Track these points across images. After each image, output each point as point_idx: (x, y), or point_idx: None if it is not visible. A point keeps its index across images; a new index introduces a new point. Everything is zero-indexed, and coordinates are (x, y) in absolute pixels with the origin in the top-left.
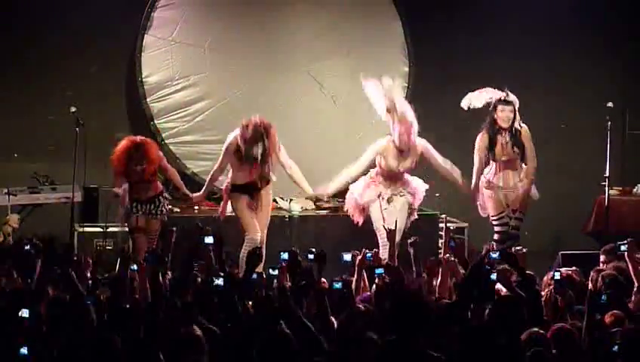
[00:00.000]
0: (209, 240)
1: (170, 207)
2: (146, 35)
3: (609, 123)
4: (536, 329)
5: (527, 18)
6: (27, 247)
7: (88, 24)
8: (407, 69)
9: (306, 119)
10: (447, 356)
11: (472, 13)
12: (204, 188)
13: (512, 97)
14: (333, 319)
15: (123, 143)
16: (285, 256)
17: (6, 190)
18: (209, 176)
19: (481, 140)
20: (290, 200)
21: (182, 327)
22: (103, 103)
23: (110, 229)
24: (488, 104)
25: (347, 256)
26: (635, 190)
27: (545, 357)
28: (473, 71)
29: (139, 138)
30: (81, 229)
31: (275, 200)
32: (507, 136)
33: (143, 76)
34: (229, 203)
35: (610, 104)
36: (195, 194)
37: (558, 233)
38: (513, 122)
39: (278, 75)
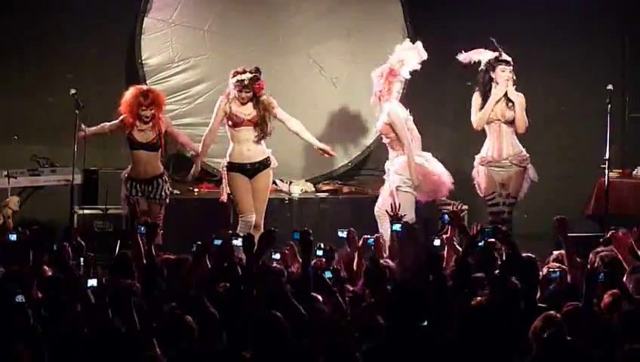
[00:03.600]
0: (238, 242)
1: (170, 189)
2: (145, 18)
3: (609, 105)
4: (552, 312)
5: (527, 1)
6: (13, 237)
7: (88, 6)
8: None
9: (305, 101)
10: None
11: None
12: (198, 155)
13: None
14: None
15: (131, 91)
16: (344, 234)
17: (6, 172)
18: (202, 142)
19: (475, 101)
20: (290, 182)
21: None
22: (102, 86)
23: (110, 211)
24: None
25: (342, 233)
26: (635, 172)
27: (561, 339)
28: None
29: (145, 86)
30: (81, 211)
31: (274, 183)
32: (503, 99)
33: (143, 58)
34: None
35: (610, 86)
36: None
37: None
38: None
39: (278, 57)
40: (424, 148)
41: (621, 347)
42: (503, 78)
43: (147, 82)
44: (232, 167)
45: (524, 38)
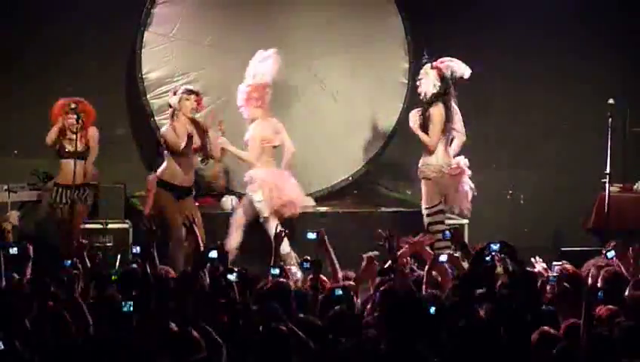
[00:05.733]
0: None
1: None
2: (146, 32)
3: (610, 120)
4: (547, 327)
5: (528, 14)
6: (13, 250)
7: (88, 20)
8: (407, 65)
9: (305, 116)
10: (445, 354)
11: (473, 10)
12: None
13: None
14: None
15: (59, 102)
16: (313, 235)
17: (6, 187)
18: None
19: (440, 113)
20: None
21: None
22: (102, 99)
23: (110, 226)
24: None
25: (312, 235)
26: (635, 187)
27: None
28: (473, 68)
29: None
30: (82, 226)
31: None
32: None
33: (143, 72)
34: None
35: (611, 101)
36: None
37: (558, 229)
38: None
39: (279, 71)
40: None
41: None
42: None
43: (147, 96)
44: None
45: (525, 51)
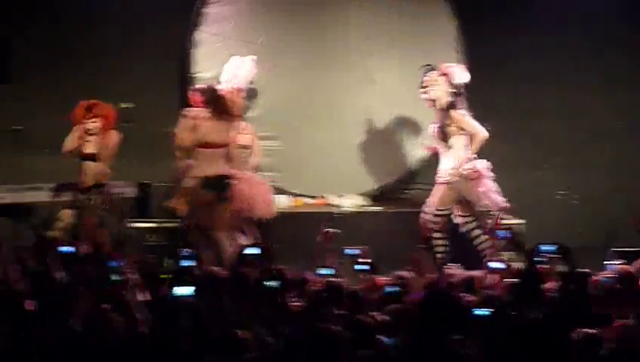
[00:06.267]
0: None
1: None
2: (198, 32)
3: None
4: (586, 329)
5: (579, 16)
6: (66, 249)
7: (140, 19)
8: None
9: (356, 115)
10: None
11: (524, 11)
12: None
13: None
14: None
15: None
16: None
17: (54, 186)
18: None
19: (461, 114)
20: (341, 196)
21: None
22: (155, 99)
23: (164, 225)
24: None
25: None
26: None
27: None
28: (525, 68)
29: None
30: (134, 225)
31: (324, 196)
32: None
33: (195, 72)
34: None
35: None
36: None
37: (610, 229)
38: None
39: (330, 71)
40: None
41: None
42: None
43: None
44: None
45: (577, 52)
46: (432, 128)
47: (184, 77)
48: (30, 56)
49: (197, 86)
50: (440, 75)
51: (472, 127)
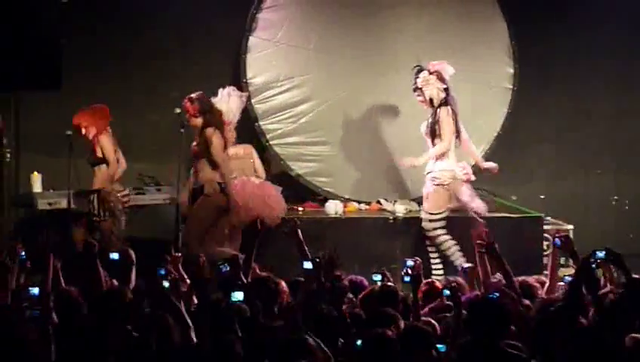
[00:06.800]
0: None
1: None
2: (250, 37)
3: None
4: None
5: (628, 15)
6: (115, 256)
7: (194, 25)
8: (512, 70)
9: (410, 119)
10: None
11: (575, 13)
12: None
13: None
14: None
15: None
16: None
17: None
18: None
19: (448, 114)
20: (395, 201)
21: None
22: None
23: None
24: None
25: (307, 264)
26: None
27: None
28: (573, 70)
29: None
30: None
31: (378, 202)
32: None
33: (248, 77)
34: None
35: None
36: None
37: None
38: None
39: (382, 76)
40: (527, 166)
41: None
42: None
43: (252, 100)
44: None
45: (628, 53)
46: (423, 127)
47: (237, 82)
48: (81, 61)
49: (192, 95)
50: (430, 74)
51: (444, 132)
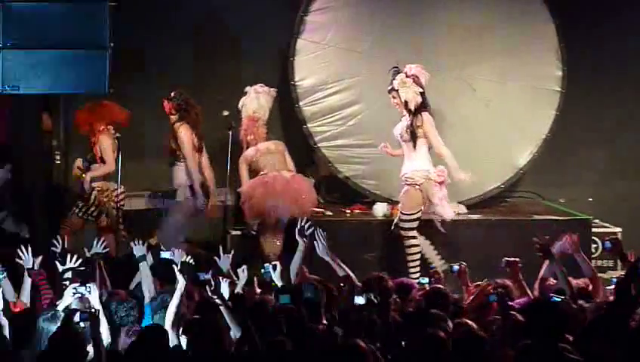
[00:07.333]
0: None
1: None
2: (299, 39)
3: None
4: None
5: None
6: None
7: (242, 28)
8: (560, 73)
9: (457, 122)
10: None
11: (619, 15)
12: None
13: None
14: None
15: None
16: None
17: (160, 194)
18: None
19: (429, 117)
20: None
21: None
22: None
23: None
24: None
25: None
26: None
27: None
28: (622, 73)
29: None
30: (234, 232)
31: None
32: None
33: (296, 80)
34: None
35: None
36: None
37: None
38: None
39: (430, 78)
40: (574, 169)
41: None
42: None
43: (300, 103)
44: None
45: None
46: (398, 129)
47: (284, 84)
48: (129, 64)
49: (171, 93)
50: (407, 77)
51: (431, 135)
